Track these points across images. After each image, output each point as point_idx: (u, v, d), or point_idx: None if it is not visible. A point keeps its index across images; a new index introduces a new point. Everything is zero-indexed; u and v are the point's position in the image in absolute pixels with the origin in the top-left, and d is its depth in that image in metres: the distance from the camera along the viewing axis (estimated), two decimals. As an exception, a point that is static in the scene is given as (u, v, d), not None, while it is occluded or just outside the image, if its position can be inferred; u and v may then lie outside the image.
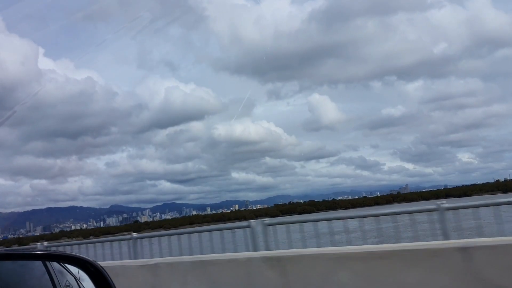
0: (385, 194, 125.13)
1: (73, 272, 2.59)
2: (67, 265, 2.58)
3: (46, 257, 2.58)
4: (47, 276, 2.54)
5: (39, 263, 2.56)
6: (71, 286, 2.53)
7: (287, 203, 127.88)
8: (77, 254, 2.55)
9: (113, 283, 2.47)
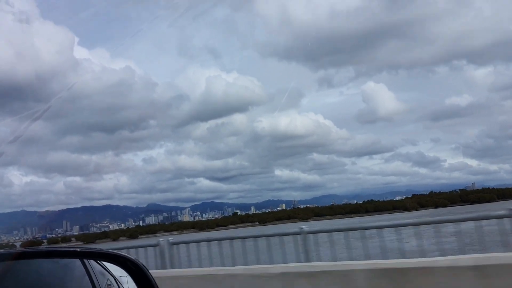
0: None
1: (114, 270, 2.51)
2: (107, 263, 2.49)
3: (86, 255, 2.50)
4: (87, 277, 2.47)
5: (79, 263, 2.49)
6: (112, 286, 2.44)
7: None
8: (118, 252, 2.45)
9: (155, 281, 2.36)
